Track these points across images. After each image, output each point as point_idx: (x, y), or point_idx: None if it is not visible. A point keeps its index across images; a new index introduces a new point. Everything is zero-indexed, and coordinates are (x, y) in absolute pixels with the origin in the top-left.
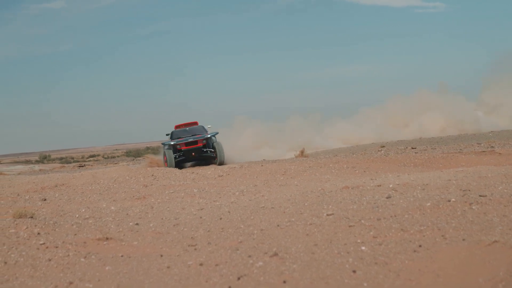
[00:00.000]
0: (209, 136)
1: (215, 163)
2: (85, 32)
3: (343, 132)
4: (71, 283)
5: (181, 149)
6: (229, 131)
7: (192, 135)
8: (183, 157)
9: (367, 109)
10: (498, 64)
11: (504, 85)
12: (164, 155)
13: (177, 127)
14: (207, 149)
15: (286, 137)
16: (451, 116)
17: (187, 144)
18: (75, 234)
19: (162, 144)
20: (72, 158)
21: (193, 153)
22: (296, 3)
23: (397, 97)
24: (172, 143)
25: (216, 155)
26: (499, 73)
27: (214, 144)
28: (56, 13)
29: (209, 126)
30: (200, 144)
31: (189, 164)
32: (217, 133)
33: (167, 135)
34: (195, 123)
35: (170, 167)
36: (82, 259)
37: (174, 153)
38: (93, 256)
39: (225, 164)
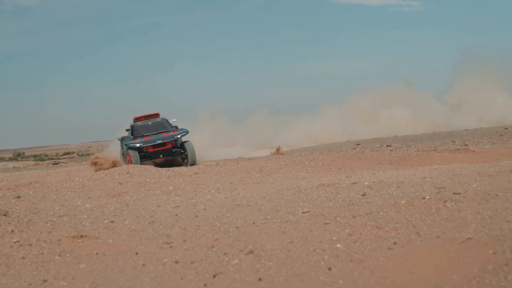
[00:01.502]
0: (179, 136)
1: (185, 165)
2: (62, 27)
3: (306, 130)
4: (45, 281)
5: (147, 151)
6: (191, 125)
7: (157, 132)
8: (149, 158)
9: (329, 105)
10: (462, 63)
11: (468, 83)
12: (127, 154)
13: (136, 119)
14: (176, 150)
15: (248, 135)
16: (416, 113)
17: (154, 146)
18: (50, 232)
19: (125, 143)
20: (47, 156)
21: (160, 155)
22: (271, 1)
23: (357, 94)
24: (137, 145)
25: (187, 155)
26: (463, 72)
27: (185, 144)
28: (34, 8)
29: (174, 120)
30: (169, 146)
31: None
32: (187, 132)
33: (127, 130)
34: (157, 115)
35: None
36: (57, 257)
37: (139, 153)
38: (67, 254)
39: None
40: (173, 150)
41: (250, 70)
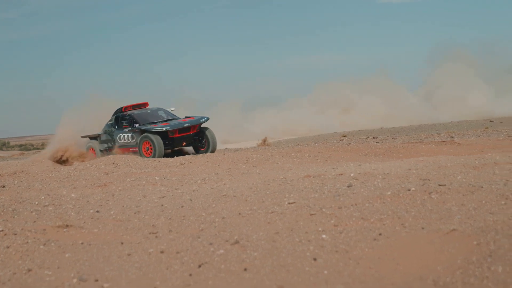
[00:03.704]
0: (203, 121)
1: (202, 152)
2: (55, 16)
3: (272, 122)
4: (30, 270)
5: (172, 137)
6: None
7: (169, 119)
8: (170, 146)
9: (294, 98)
10: (434, 57)
11: (443, 74)
12: (148, 141)
13: (125, 108)
14: (196, 137)
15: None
16: (388, 104)
17: (180, 131)
18: (35, 221)
19: (142, 129)
20: (32, 145)
21: (183, 143)
22: None
23: (323, 85)
24: (164, 129)
25: (205, 143)
26: (435, 65)
27: (206, 132)
28: None
29: (172, 109)
30: (193, 131)
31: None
32: (207, 118)
33: (124, 121)
34: (146, 104)
35: (158, 157)
36: (42, 246)
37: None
38: (52, 243)
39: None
40: (194, 138)
41: (239, 62)
